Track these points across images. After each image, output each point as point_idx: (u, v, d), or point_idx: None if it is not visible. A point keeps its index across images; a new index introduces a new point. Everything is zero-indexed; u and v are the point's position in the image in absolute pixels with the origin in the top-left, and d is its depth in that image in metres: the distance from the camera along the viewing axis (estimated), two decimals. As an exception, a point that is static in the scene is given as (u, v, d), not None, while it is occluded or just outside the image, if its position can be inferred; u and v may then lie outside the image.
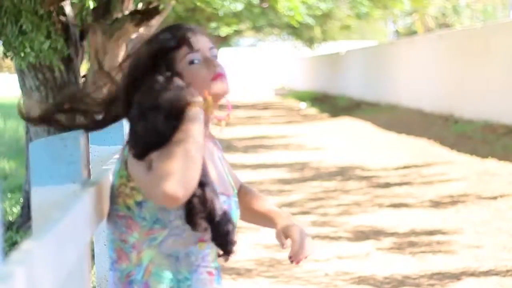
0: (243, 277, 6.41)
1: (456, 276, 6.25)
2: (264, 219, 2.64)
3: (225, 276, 6.34)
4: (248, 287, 6.18)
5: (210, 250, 2.43)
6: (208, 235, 2.37)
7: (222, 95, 2.40)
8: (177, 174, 2.13)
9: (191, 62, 2.39)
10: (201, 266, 2.40)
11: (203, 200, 2.30)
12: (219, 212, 2.33)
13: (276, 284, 6.23)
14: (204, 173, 2.30)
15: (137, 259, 2.36)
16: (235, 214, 2.47)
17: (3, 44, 7.25)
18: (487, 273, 6.30)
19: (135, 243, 2.37)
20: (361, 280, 6.28)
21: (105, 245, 3.52)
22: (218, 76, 2.39)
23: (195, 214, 2.30)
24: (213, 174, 2.40)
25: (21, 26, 7.17)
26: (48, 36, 7.35)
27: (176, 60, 2.39)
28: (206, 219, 2.31)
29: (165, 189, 2.11)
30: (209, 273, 2.43)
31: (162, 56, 2.38)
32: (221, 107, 2.52)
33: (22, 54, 7.24)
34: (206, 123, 2.44)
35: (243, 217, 2.65)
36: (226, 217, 2.36)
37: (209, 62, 2.39)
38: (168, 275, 2.36)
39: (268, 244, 7.43)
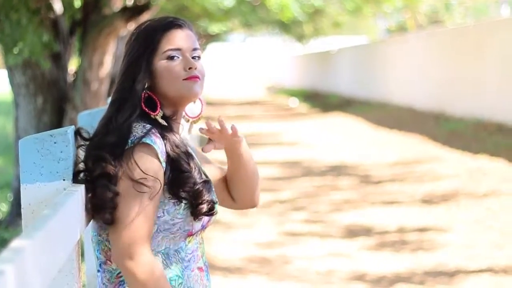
0: (234, 274, 6.39)
1: (448, 274, 6.25)
2: (233, 168, 2.68)
3: (216, 273, 6.31)
4: (239, 284, 6.16)
5: (198, 245, 2.42)
6: (196, 228, 2.35)
7: (191, 98, 2.40)
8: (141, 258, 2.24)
9: (170, 58, 2.38)
10: (192, 262, 2.39)
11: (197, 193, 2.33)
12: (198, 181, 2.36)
13: (267, 282, 6.21)
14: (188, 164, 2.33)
15: (127, 259, 2.33)
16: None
17: None
18: (478, 271, 6.30)
19: None
20: (352, 277, 6.27)
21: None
22: (192, 78, 2.38)
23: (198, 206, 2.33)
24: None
25: (18, 21, 7.13)
26: (38, 32, 7.31)
27: (157, 53, 2.39)
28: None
29: (124, 264, 2.24)
30: (200, 269, 2.42)
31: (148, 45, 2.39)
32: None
33: (16, 51, 7.19)
34: (178, 119, 2.44)
35: (242, 195, 2.79)
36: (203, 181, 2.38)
37: (187, 63, 2.39)
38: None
39: (259, 242, 7.41)
